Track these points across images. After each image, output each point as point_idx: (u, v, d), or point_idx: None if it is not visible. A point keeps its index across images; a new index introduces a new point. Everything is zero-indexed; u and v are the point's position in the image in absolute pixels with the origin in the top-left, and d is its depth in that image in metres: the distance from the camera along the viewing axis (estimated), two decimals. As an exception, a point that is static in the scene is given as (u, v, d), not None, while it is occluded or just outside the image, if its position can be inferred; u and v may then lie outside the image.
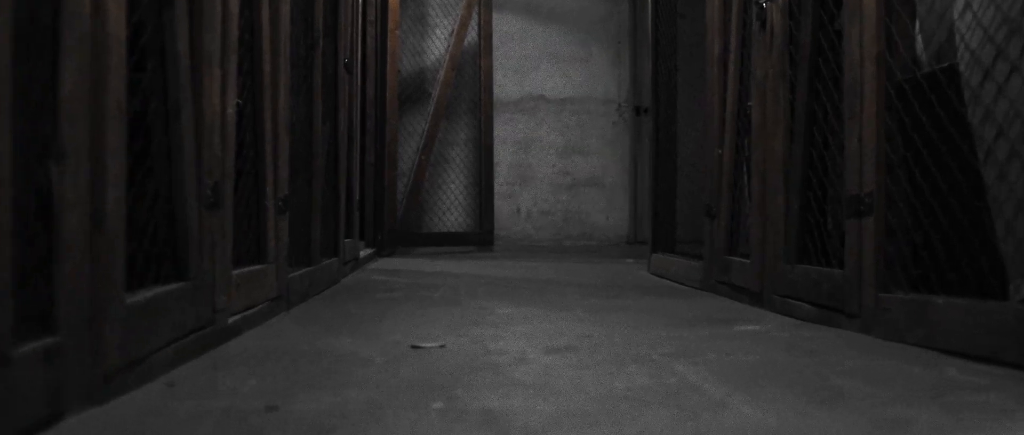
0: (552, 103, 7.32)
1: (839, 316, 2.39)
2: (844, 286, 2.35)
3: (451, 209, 6.88)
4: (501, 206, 7.17)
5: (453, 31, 6.60)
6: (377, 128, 6.02)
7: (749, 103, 3.25)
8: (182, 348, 1.75)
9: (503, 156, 7.21)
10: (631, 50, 7.37)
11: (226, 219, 2.08)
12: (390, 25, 6.07)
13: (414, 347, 1.93)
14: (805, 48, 2.70)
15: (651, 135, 4.84)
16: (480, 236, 6.60)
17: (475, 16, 6.61)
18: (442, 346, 1.94)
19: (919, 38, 2.21)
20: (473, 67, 6.78)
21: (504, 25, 7.17)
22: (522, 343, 2.01)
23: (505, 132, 7.23)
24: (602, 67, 7.35)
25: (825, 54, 2.63)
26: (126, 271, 1.50)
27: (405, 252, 6.19)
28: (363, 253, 5.15)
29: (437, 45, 6.82)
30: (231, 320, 2.13)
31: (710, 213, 3.57)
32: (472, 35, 6.67)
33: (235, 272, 2.21)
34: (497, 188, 7.05)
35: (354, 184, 4.71)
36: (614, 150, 7.36)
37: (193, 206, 1.81)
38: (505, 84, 7.22)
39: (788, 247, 2.77)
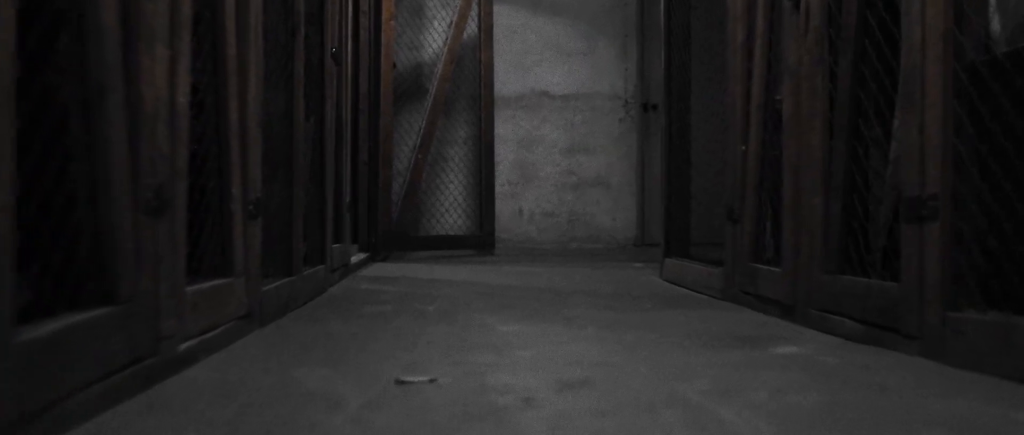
0: (556, 99, 6.99)
1: (892, 336, 2.06)
2: (900, 302, 2.02)
3: (450, 211, 6.54)
4: (502, 207, 6.84)
5: (452, 23, 6.27)
6: (371, 125, 5.69)
7: (777, 97, 2.93)
8: (112, 387, 1.42)
9: (504, 155, 6.88)
10: (638, 43, 7.03)
11: (176, 227, 1.75)
12: (385, 15, 5.74)
13: (399, 382, 1.60)
14: (849, 29, 2.37)
15: (664, 131, 4.51)
16: (480, 239, 6.27)
17: (475, 7, 6.27)
18: (432, 380, 1.61)
19: (995, 13, 1.88)
20: (473, 61, 6.45)
21: (505, 17, 6.83)
22: (528, 375, 1.68)
23: (506, 130, 6.90)
24: (608, 61, 7.02)
25: (873, 35, 2.30)
26: (26, 296, 1.17)
27: (401, 256, 5.86)
28: (355, 258, 4.82)
29: (435, 38, 6.49)
30: (183, 347, 1.80)
31: (732, 216, 3.24)
32: (472, 27, 6.34)
33: (190, 289, 1.88)
34: (498, 188, 6.72)
35: (344, 185, 4.38)
36: (621, 148, 7.02)
37: (126, 212, 1.48)
38: (506, 79, 6.89)
39: (828, 255, 2.44)
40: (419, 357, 1.91)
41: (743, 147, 3.16)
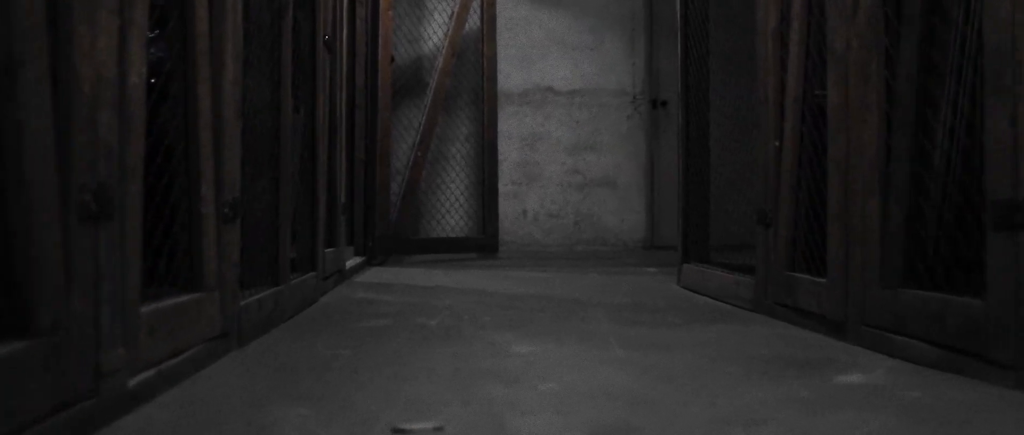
0: (561, 95, 6.67)
1: (978, 364, 1.75)
2: (988, 323, 1.72)
3: (451, 212, 6.23)
4: (506, 208, 6.53)
5: (453, 14, 5.95)
6: (368, 121, 5.38)
7: (818, 91, 2.63)
8: (31, 441, 1.12)
9: (508, 153, 6.57)
10: (647, 37, 6.72)
11: (125, 236, 1.44)
12: (382, 5, 5.42)
13: (396, 431, 1.29)
14: (914, 4, 2.06)
15: (680, 128, 4.20)
16: (483, 241, 5.95)
17: (477, -2, 5.96)
18: (437, 429, 1.30)
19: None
20: (475, 55, 6.13)
21: (508, 9, 6.52)
22: (555, 419, 1.37)
23: (510, 127, 6.58)
24: (615, 56, 6.70)
25: (943, 11, 2.00)
26: None
27: (399, 260, 5.55)
28: (350, 263, 4.51)
29: (435, 30, 6.18)
30: (136, 381, 1.49)
31: (764, 220, 2.93)
32: (474, 19, 6.02)
33: (147, 309, 1.57)
34: (501, 188, 6.41)
35: (338, 184, 4.07)
36: (628, 147, 6.71)
37: (50, 218, 1.17)
38: (510, 74, 6.58)
39: (886, 266, 2.13)
40: (420, 389, 1.60)
41: (777, 144, 2.85)
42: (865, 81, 2.25)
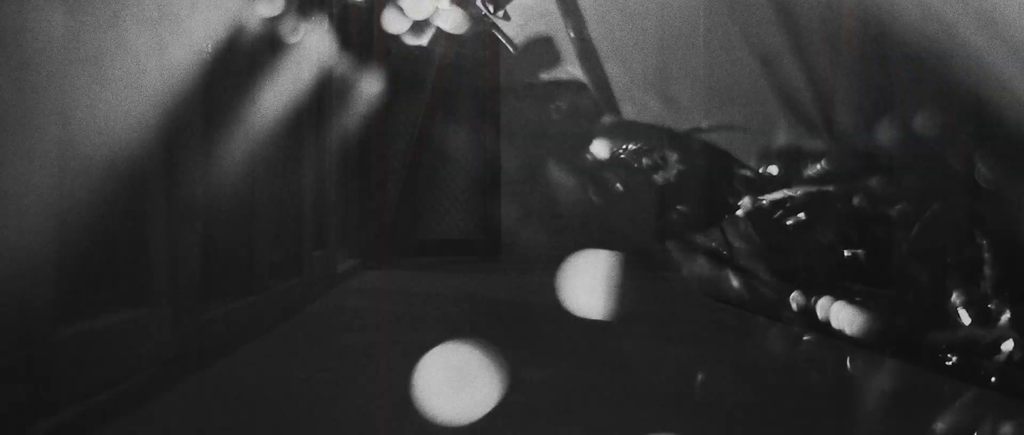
0: (567, 89, 6.35)
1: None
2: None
3: (450, 212, 5.90)
4: (509, 208, 6.20)
5: (453, 4, 5.62)
6: (363, 115, 5.05)
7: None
8: None
9: (510, 150, 6.24)
10: (660, 26, 6.39)
11: (36, 239, 1.11)
12: (378, -7, 5.09)
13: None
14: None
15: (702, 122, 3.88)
16: (485, 243, 5.62)
17: (479, -14, 5.63)
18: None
19: None
20: (476, 46, 5.80)
21: (512, -1, 6.20)
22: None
23: (513, 122, 6.26)
24: (625, 46, 6.37)
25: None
26: None
27: (396, 263, 5.22)
28: (343, 266, 4.18)
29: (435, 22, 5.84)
30: (52, 422, 1.17)
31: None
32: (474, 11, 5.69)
33: (68, 331, 1.24)
34: (504, 188, 6.08)
35: (329, 180, 3.74)
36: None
37: None
38: (513, 67, 6.25)
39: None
40: (411, 435, 1.27)
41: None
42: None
